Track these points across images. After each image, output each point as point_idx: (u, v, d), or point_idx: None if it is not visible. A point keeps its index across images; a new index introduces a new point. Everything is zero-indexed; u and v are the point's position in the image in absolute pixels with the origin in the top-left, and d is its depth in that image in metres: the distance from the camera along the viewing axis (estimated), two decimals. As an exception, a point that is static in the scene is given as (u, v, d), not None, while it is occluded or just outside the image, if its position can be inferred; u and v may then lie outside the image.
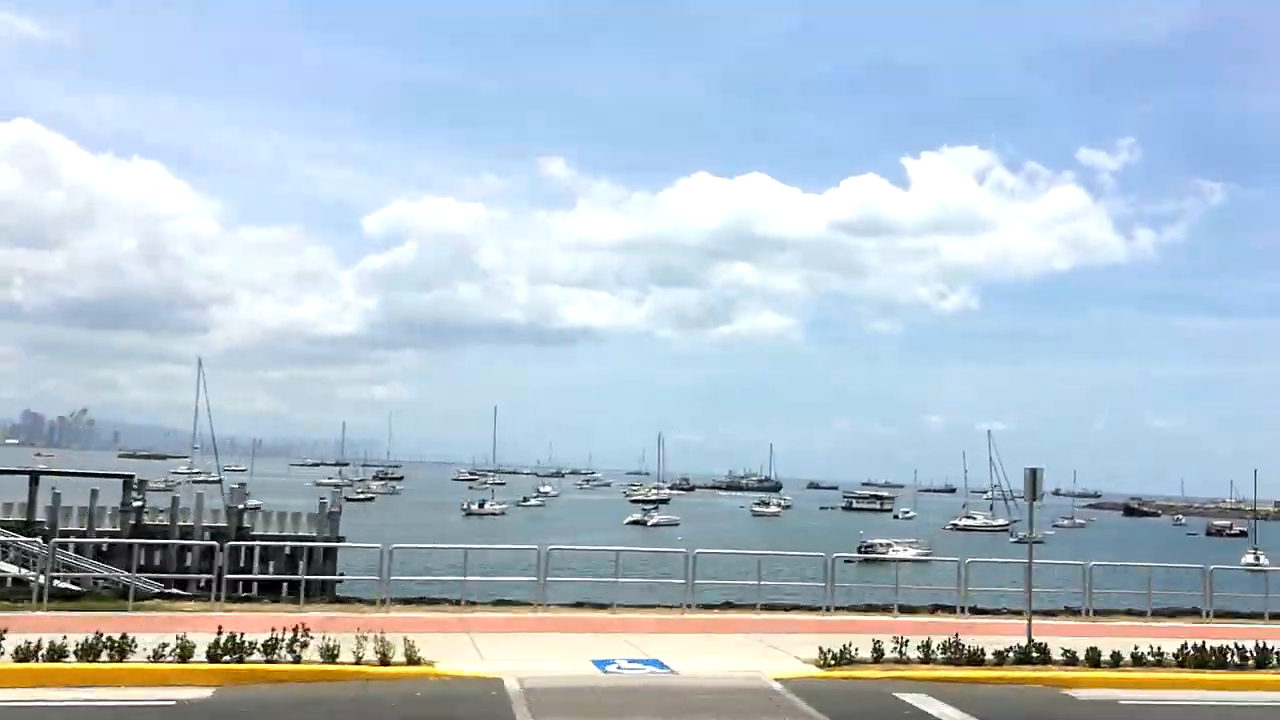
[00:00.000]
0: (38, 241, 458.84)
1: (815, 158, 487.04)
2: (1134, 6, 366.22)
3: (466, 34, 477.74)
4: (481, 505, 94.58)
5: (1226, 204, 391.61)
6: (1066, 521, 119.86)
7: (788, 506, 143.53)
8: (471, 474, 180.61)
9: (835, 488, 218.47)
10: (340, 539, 36.36)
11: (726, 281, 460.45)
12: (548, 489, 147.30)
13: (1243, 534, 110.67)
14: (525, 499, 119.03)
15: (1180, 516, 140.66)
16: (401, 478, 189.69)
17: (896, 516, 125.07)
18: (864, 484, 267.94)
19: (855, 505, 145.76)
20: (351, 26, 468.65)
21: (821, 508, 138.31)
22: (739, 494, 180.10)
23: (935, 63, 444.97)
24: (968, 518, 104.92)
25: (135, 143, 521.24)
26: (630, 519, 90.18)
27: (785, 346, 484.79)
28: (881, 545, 58.44)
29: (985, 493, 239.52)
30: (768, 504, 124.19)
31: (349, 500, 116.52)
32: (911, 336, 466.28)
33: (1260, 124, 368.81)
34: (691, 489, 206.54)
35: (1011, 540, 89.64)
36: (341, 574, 30.84)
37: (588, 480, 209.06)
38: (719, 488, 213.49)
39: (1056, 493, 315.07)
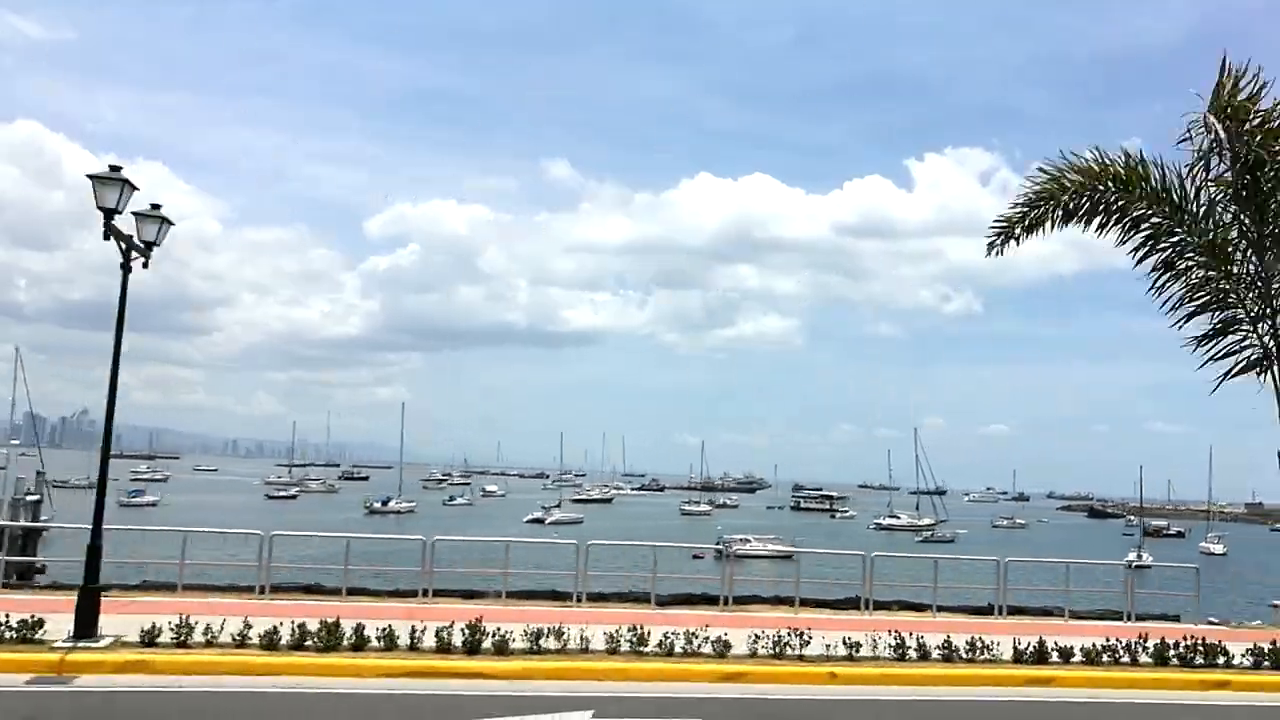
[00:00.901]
0: (40, 242, 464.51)
1: (818, 159, 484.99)
2: (1135, 14, 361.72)
3: (470, 36, 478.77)
4: (385, 503, 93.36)
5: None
6: (1005, 522, 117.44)
7: (734, 506, 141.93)
8: (441, 475, 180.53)
9: (820, 489, 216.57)
10: (44, 528, 35.19)
11: (728, 284, 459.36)
12: (493, 488, 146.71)
13: (1179, 534, 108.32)
14: (451, 498, 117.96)
15: (1131, 518, 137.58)
16: (367, 478, 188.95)
17: (834, 516, 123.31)
18: (860, 486, 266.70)
19: (802, 506, 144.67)
20: (354, 28, 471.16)
21: (769, 508, 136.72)
22: (711, 494, 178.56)
23: (939, 70, 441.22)
24: (891, 517, 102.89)
25: (137, 143, 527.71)
26: (529, 517, 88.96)
27: (787, 349, 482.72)
28: (739, 541, 58.83)
29: (969, 494, 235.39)
30: (697, 503, 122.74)
31: (269, 499, 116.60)
32: (914, 339, 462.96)
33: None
34: (662, 489, 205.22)
35: (917, 539, 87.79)
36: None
37: (554, 481, 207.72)
38: (693, 488, 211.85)
39: (1050, 495, 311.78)
